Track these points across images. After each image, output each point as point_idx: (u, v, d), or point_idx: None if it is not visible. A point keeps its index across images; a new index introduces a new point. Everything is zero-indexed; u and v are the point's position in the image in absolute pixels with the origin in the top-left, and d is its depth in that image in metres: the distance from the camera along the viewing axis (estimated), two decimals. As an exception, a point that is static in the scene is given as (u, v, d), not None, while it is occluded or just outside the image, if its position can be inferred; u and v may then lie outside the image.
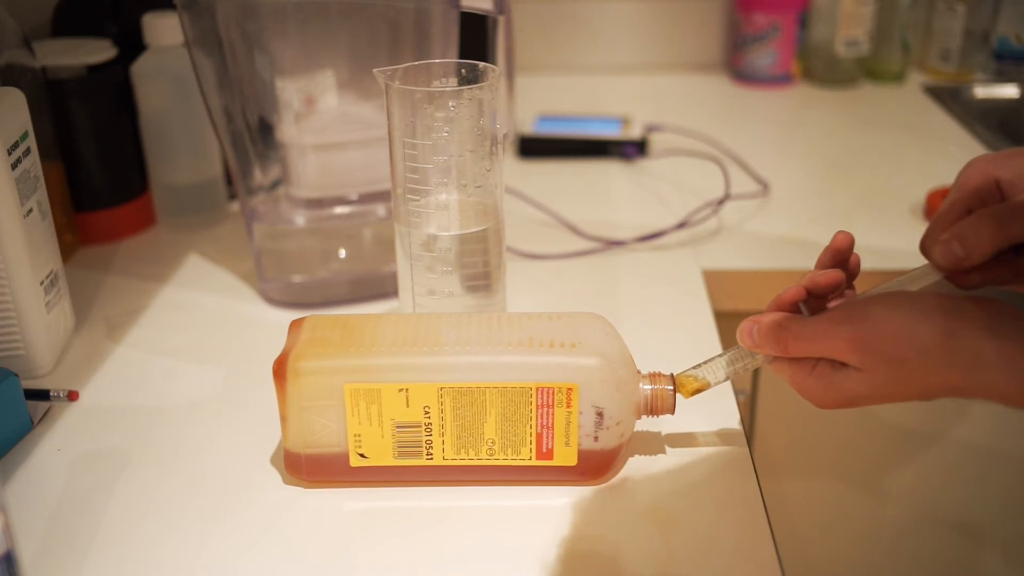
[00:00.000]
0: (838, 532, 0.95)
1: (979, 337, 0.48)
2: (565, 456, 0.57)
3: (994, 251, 0.51)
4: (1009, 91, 1.31)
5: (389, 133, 0.63)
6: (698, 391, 0.59)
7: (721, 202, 0.95)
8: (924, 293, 0.52)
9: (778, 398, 0.89)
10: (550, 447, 0.57)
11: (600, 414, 0.56)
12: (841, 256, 0.57)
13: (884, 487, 0.93)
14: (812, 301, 0.57)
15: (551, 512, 0.57)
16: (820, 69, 1.35)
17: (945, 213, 0.55)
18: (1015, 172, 0.54)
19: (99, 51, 0.87)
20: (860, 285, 0.58)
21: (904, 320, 0.50)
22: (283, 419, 0.57)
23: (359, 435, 0.57)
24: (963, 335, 0.48)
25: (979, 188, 0.54)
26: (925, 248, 0.54)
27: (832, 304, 0.57)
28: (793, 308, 0.57)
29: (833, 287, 0.56)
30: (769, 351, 0.55)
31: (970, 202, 0.54)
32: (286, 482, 0.60)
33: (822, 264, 0.58)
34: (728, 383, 0.66)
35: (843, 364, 0.52)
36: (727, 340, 0.67)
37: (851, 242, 0.57)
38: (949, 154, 1.10)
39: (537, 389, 0.55)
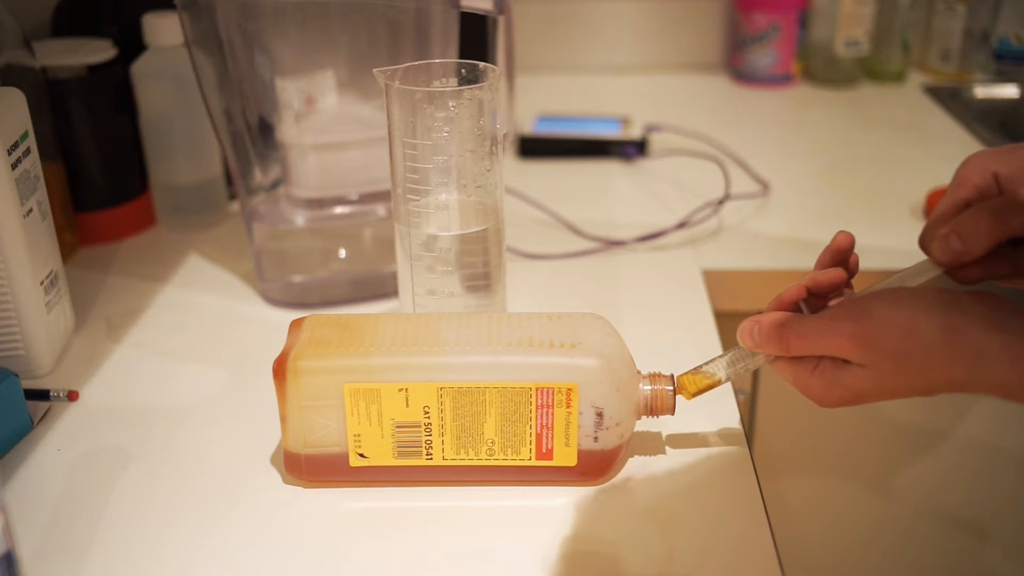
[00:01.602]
0: (838, 532, 0.95)
1: (981, 332, 0.48)
2: (565, 456, 0.57)
3: (992, 245, 0.51)
4: (1009, 91, 1.31)
5: (389, 133, 0.63)
6: (701, 392, 0.59)
7: (721, 202, 0.95)
8: (924, 288, 0.52)
9: (778, 398, 0.89)
10: (550, 447, 0.57)
11: (600, 414, 0.56)
12: (842, 256, 0.57)
13: (885, 486, 0.93)
14: (813, 300, 0.57)
15: (551, 512, 0.57)
16: (820, 69, 1.35)
17: (944, 209, 0.55)
18: (1014, 167, 0.54)
19: (99, 51, 0.87)
20: (859, 285, 0.58)
21: (906, 315, 0.50)
22: (283, 419, 0.57)
23: (359, 435, 0.57)
24: (965, 330, 0.48)
25: (978, 183, 0.54)
26: (924, 243, 0.54)
27: (832, 303, 0.57)
28: (794, 307, 0.57)
29: (835, 286, 0.56)
30: (771, 351, 0.55)
31: (969, 197, 0.54)
32: (286, 482, 0.60)
33: (822, 264, 0.58)
34: (728, 383, 0.66)
35: (845, 361, 0.52)
36: (727, 340, 0.67)
37: (852, 242, 0.57)
38: (949, 154, 1.09)
39: (537, 389, 0.55)
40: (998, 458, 0.92)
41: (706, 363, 0.59)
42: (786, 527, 0.92)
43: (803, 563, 0.95)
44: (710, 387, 0.59)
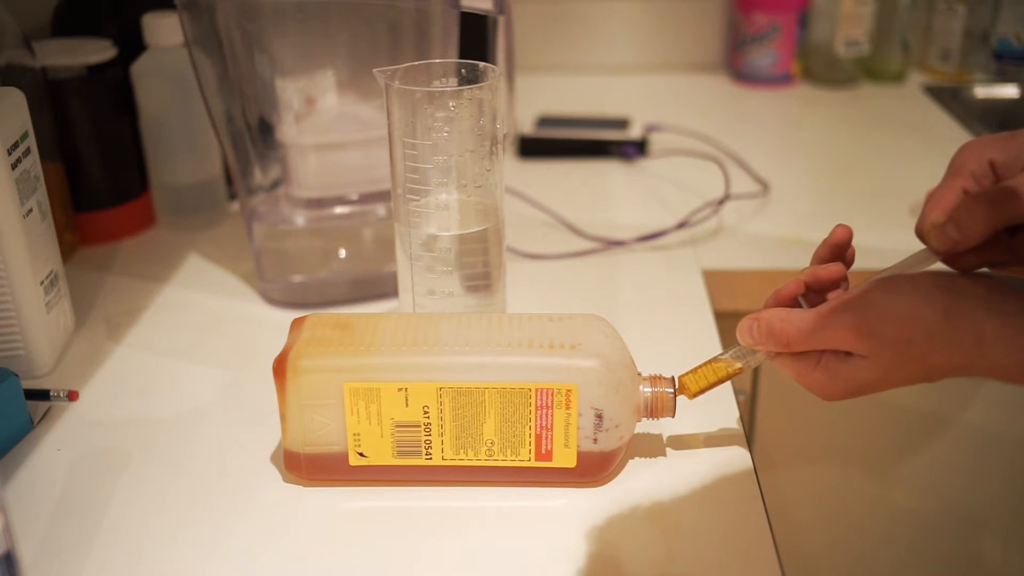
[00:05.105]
0: (839, 532, 0.95)
1: (980, 315, 0.48)
2: (564, 457, 0.57)
3: (989, 233, 0.51)
4: (1009, 91, 1.31)
5: (389, 133, 0.63)
6: (703, 391, 0.59)
7: (721, 202, 0.95)
8: (921, 274, 0.52)
9: (778, 398, 0.89)
10: (549, 448, 0.57)
11: (599, 416, 0.56)
12: (839, 250, 0.57)
13: (886, 486, 0.93)
14: (812, 295, 0.56)
15: (550, 513, 0.57)
16: (820, 69, 1.35)
17: (940, 197, 0.54)
18: (1009, 154, 0.53)
19: (99, 51, 0.87)
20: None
21: (905, 303, 0.50)
22: (283, 418, 0.57)
23: (358, 434, 0.57)
24: (964, 314, 0.48)
25: (973, 170, 0.54)
26: (920, 232, 0.54)
27: (831, 296, 0.56)
28: (792, 303, 0.56)
29: (834, 280, 0.56)
30: (772, 347, 0.55)
31: (965, 185, 0.54)
32: (286, 481, 0.60)
33: (820, 258, 0.57)
34: (728, 383, 0.66)
35: (848, 353, 0.52)
36: (727, 340, 0.67)
37: (850, 236, 0.57)
38: (949, 154, 1.09)
39: (536, 390, 0.55)
40: (997, 448, 0.92)
41: (706, 362, 0.59)
42: (786, 527, 0.92)
43: (803, 563, 0.95)
44: (712, 386, 0.59)
